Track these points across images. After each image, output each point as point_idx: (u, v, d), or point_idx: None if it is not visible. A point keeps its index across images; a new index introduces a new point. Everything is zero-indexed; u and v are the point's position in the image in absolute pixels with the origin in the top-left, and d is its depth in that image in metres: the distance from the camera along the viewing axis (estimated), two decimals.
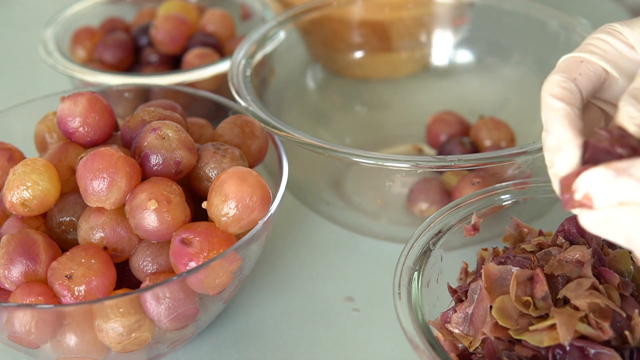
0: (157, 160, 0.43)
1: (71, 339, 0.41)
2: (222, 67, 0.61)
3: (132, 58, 0.67)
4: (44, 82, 0.72)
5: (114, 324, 0.40)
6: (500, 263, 0.39)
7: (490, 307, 0.37)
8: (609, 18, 0.78)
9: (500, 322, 0.36)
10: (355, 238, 0.56)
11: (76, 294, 0.40)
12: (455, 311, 0.39)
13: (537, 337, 0.35)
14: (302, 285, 0.52)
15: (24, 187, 0.43)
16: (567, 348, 0.34)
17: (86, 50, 0.67)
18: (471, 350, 0.37)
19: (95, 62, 0.66)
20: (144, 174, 0.43)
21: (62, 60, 0.63)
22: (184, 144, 0.44)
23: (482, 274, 0.38)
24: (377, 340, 0.47)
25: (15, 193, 0.43)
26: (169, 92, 0.57)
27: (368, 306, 0.50)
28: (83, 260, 0.40)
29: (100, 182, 0.41)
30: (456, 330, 0.38)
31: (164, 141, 0.43)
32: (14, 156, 0.48)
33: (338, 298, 0.51)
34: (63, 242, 0.44)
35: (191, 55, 0.64)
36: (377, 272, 0.52)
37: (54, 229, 0.44)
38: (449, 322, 0.39)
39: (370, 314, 0.49)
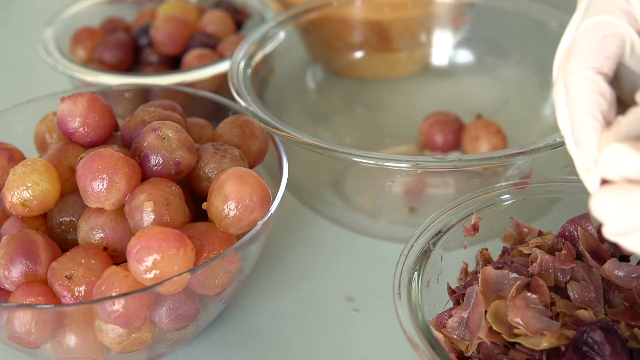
0: (157, 161, 0.43)
1: (71, 339, 0.41)
2: (222, 67, 0.61)
3: (132, 58, 0.67)
4: (44, 82, 0.72)
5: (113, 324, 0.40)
6: (498, 268, 0.39)
7: (486, 311, 0.37)
8: None
9: (494, 327, 0.36)
10: (355, 238, 0.56)
11: (76, 294, 0.40)
12: (451, 315, 0.39)
13: (532, 340, 0.35)
14: (302, 285, 0.52)
15: (24, 188, 0.43)
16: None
17: (86, 50, 0.67)
18: (468, 354, 0.37)
19: (95, 62, 0.66)
20: (144, 175, 0.43)
21: (62, 60, 0.63)
22: (184, 144, 0.44)
23: (479, 278, 0.38)
24: (377, 340, 0.47)
25: (16, 193, 0.43)
26: (169, 92, 0.57)
27: (368, 306, 0.50)
28: (83, 261, 0.40)
29: (100, 183, 0.41)
30: (452, 335, 0.38)
31: (164, 141, 0.43)
32: (14, 156, 0.48)
33: (338, 298, 0.51)
34: (63, 242, 0.44)
35: (190, 56, 0.64)
36: (377, 272, 0.52)
37: (54, 229, 0.44)
38: (445, 327, 0.39)
39: (370, 314, 0.49)
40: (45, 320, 0.39)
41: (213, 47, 0.66)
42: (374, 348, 0.47)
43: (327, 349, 0.47)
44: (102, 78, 0.60)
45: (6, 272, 0.41)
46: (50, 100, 0.54)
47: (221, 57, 0.64)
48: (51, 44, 0.65)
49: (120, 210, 0.43)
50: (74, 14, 0.69)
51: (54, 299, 0.40)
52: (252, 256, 0.44)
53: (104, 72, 0.62)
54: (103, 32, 0.68)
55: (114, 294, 0.38)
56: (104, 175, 0.41)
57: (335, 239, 0.56)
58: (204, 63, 0.62)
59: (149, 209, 0.41)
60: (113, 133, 0.48)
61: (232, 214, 0.41)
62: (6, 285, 0.41)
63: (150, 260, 0.38)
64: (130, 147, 0.45)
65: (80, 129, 0.46)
